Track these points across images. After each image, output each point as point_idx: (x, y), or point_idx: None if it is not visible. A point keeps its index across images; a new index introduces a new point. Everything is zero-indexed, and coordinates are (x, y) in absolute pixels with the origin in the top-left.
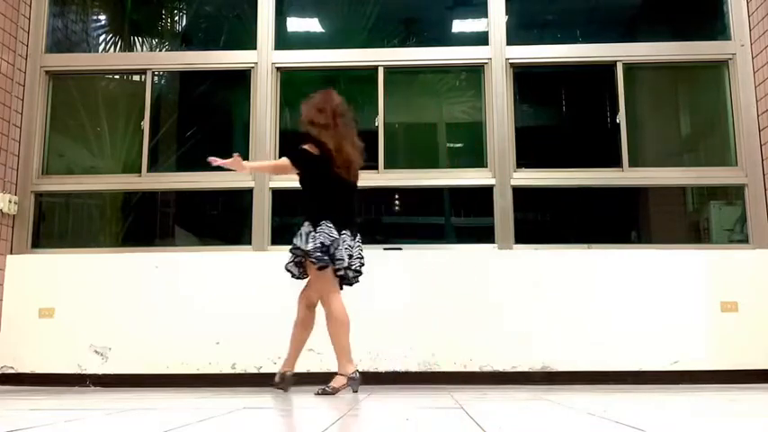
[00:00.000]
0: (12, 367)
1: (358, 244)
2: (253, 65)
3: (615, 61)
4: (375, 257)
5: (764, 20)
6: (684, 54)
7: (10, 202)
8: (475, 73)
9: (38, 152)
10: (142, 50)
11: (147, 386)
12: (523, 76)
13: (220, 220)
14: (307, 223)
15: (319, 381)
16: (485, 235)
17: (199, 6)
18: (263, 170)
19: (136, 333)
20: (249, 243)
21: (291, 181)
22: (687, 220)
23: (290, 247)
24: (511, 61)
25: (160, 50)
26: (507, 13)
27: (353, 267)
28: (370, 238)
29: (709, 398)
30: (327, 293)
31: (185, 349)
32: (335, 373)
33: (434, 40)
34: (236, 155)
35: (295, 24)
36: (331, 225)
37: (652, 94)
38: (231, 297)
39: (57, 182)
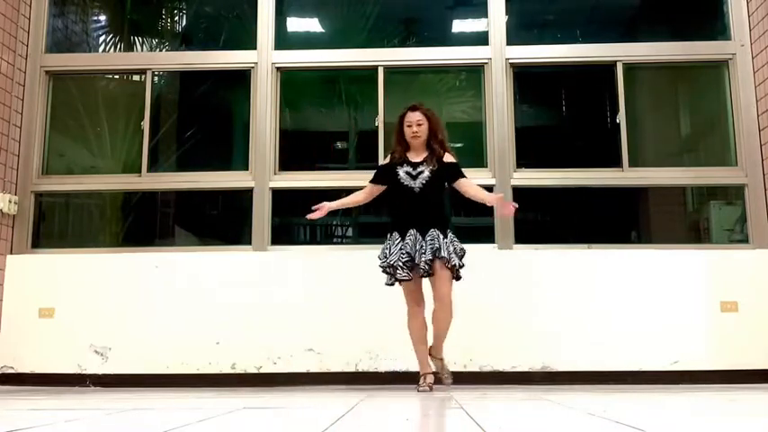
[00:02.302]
0: (12, 367)
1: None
2: (253, 65)
3: (615, 61)
4: (375, 257)
5: (764, 20)
6: (684, 54)
7: (10, 202)
8: (475, 73)
9: (38, 152)
10: (142, 50)
11: (147, 386)
12: (523, 76)
13: (220, 220)
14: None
15: (319, 381)
16: (485, 235)
17: (199, 6)
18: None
19: (136, 333)
20: (249, 243)
21: (291, 181)
22: (687, 220)
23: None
24: (511, 61)
25: (160, 50)
26: (507, 13)
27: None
28: (370, 239)
29: (709, 398)
30: None
31: (185, 349)
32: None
33: (434, 40)
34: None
35: (295, 24)
36: None
37: (652, 94)
38: (231, 297)
39: (57, 182)
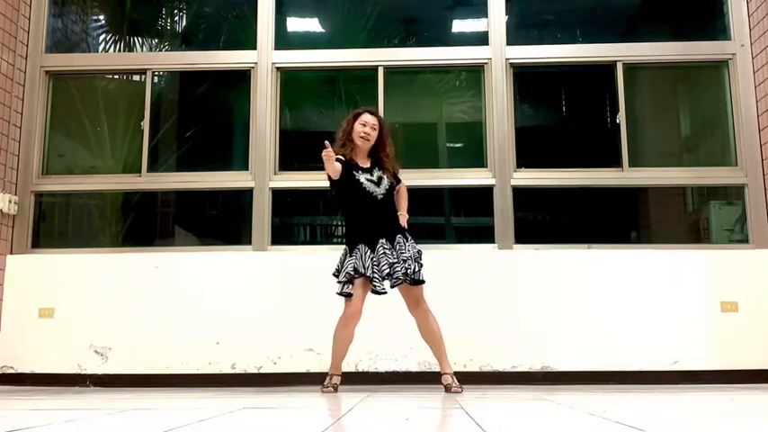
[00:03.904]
0: (12, 367)
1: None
2: (253, 65)
3: (615, 61)
4: None
5: (764, 20)
6: (684, 54)
7: (10, 202)
8: (475, 73)
9: (38, 152)
10: (142, 50)
11: (147, 386)
12: (523, 76)
13: (220, 220)
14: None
15: (319, 381)
16: (485, 235)
17: (199, 6)
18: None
19: (136, 333)
20: (249, 243)
21: (291, 181)
22: (687, 220)
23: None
24: (511, 61)
25: (160, 50)
26: (507, 13)
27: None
28: None
29: (709, 398)
30: None
31: (185, 349)
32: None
33: (434, 40)
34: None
35: (295, 24)
36: None
37: (652, 94)
38: (231, 297)
39: (57, 182)
